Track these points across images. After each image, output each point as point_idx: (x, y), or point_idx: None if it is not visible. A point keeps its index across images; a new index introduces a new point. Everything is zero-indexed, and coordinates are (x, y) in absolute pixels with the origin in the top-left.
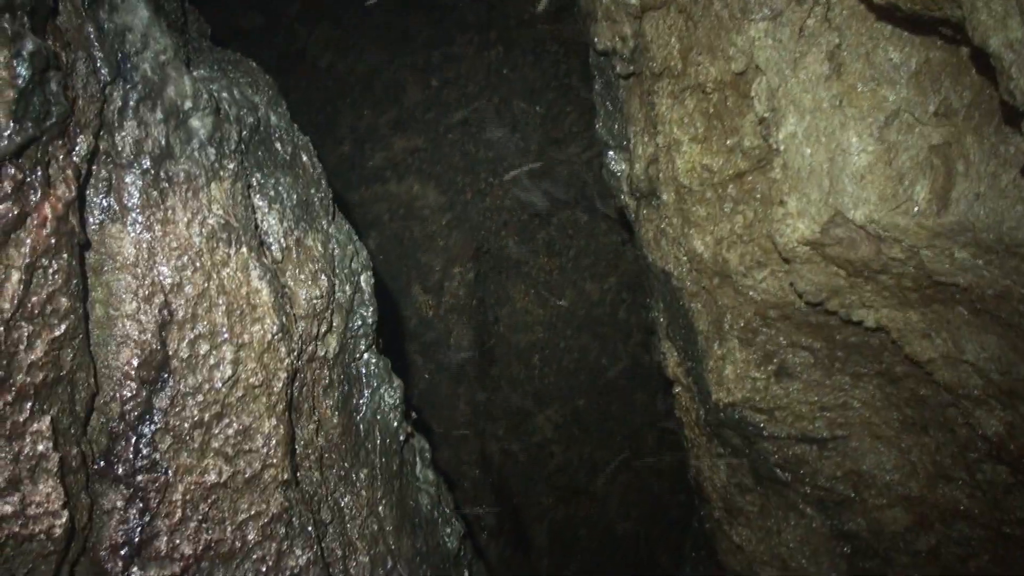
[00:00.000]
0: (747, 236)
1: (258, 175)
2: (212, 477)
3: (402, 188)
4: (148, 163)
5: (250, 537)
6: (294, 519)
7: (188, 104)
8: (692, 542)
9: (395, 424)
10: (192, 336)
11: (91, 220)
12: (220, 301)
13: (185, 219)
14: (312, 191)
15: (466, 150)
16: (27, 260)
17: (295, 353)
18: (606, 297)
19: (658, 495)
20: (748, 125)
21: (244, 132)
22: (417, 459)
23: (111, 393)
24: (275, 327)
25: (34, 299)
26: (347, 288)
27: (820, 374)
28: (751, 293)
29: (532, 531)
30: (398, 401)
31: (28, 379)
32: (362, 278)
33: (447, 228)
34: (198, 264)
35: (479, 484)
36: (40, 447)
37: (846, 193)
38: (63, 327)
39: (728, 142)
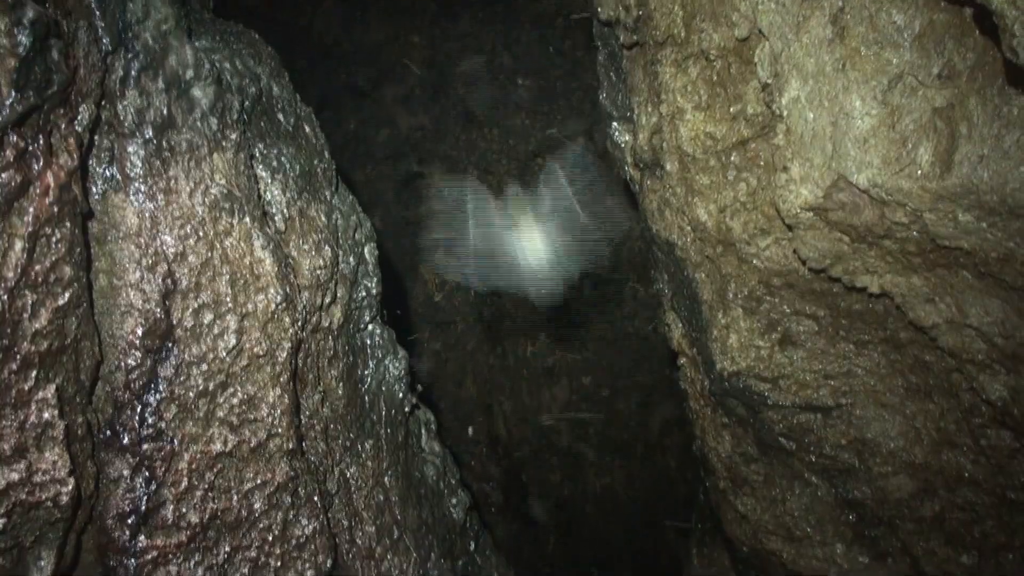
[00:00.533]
0: (750, 204)
1: (260, 146)
2: (217, 446)
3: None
4: (150, 133)
5: (256, 506)
6: (300, 489)
7: (190, 74)
8: (698, 514)
9: (400, 395)
10: (196, 306)
11: (94, 190)
12: (223, 271)
13: (188, 189)
14: (315, 162)
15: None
16: (30, 229)
17: (299, 323)
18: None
19: (665, 471)
20: (751, 92)
21: (246, 103)
22: (423, 431)
23: (116, 362)
24: (279, 297)
25: (37, 267)
26: (351, 259)
27: (824, 342)
28: (755, 261)
29: (539, 507)
30: (403, 372)
31: (32, 347)
32: (366, 249)
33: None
34: (201, 234)
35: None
36: (46, 415)
37: (849, 157)
38: (67, 296)
39: (731, 109)
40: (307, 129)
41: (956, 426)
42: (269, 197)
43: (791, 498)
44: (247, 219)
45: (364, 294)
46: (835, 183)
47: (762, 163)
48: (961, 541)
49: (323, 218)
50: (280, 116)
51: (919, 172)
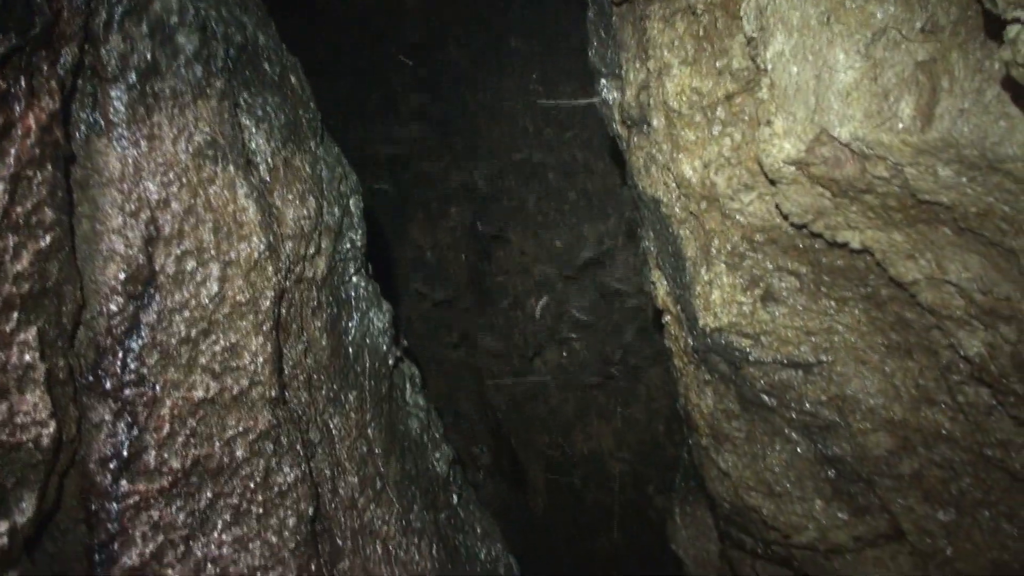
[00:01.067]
0: (735, 159)
1: (245, 94)
2: (199, 393)
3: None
4: (134, 78)
5: (238, 453)
6: (282, 437)
7: (174, 19)
8: (682, 472)
9: (384, 348)
10: (178, 252)
11: (76, 135)
12: (207, 218)
13: (171, 135)
14: (300, 112)
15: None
16: (12, 170)
17: (282, 273)
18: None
19: (652, 434)
20: (737, 46)
21: (231, 51)
22: (407, 384)
23: (98, 307)
24: (262, 246)
25: (19, 209)
26: (336, 210)
27: (806, 299)
28: (738, 217)
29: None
30: (387, 325)
31: (14, 289)
32: (351, 201)
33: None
34: (184, 181)
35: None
36: (27, 357)
37: (832, 111)
38: (48, 239)
39: (717, 64)
40: (293, 79)
41: (935, 383)
42: (254, 146)
43: (772, 454)
44: (231, 167)
45: (349, 246)
46: (817, 137)
47: (746, 118)
48: (938, 498)
49: (308, 168)
50: (266, 65)
51: (900, 126)
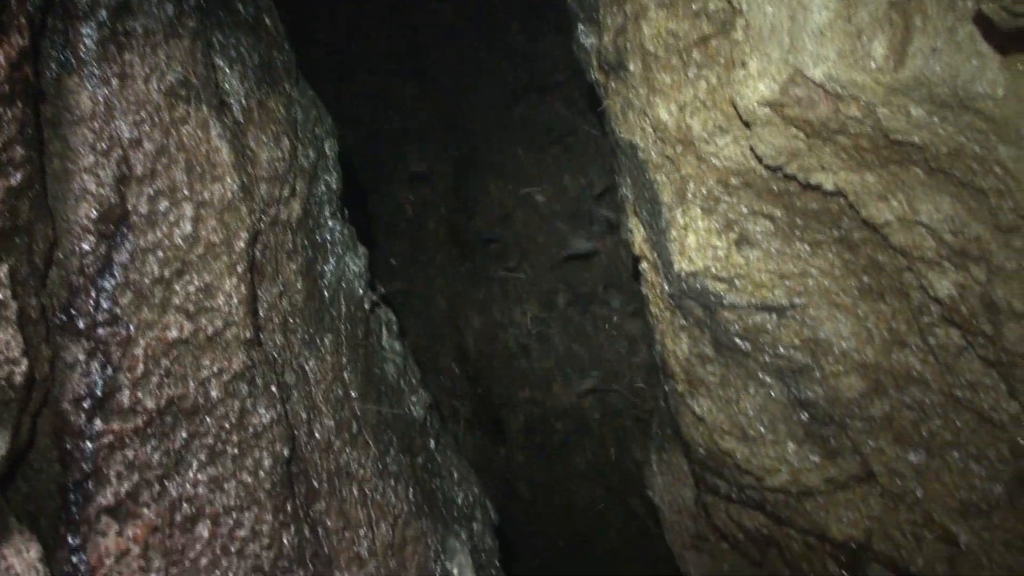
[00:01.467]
0: (710, 101)
1: (219, 34)
2: (174, 333)
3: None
4: (104, 16)
5: (213, 394)
6: (257, 379)
7: None
8: (658, 420)
9: (360, 292)
10: (151, 192)
11: (47, 73)
12: (179, 158)
13: (143, 74)
14: (275, 53)
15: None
16: None
17: (257, 214)
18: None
19: (631, 387)
20: None
21: None
22: (383, 329)
23: (70, 247)
24: (235, 186)
25: None
26: (310, 152)
27: (780, 242)
28: (713, 160)
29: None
30: (363, 269)
31: None
32: (326, 144)
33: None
34: (156, 120)
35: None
36: None
37: (805, 51)
38: (19, 176)
39: (694, 6)
40: (267, 20)
41: (907, 326)
42: (227, 87)
43: (745, 399)
44: (204, 107)
45: (324, 189)
46: (791, 77)
47: (722, 60)
48: (909, 440)
49: (282, 110)
50: (239, 5)
51: (873, 65)
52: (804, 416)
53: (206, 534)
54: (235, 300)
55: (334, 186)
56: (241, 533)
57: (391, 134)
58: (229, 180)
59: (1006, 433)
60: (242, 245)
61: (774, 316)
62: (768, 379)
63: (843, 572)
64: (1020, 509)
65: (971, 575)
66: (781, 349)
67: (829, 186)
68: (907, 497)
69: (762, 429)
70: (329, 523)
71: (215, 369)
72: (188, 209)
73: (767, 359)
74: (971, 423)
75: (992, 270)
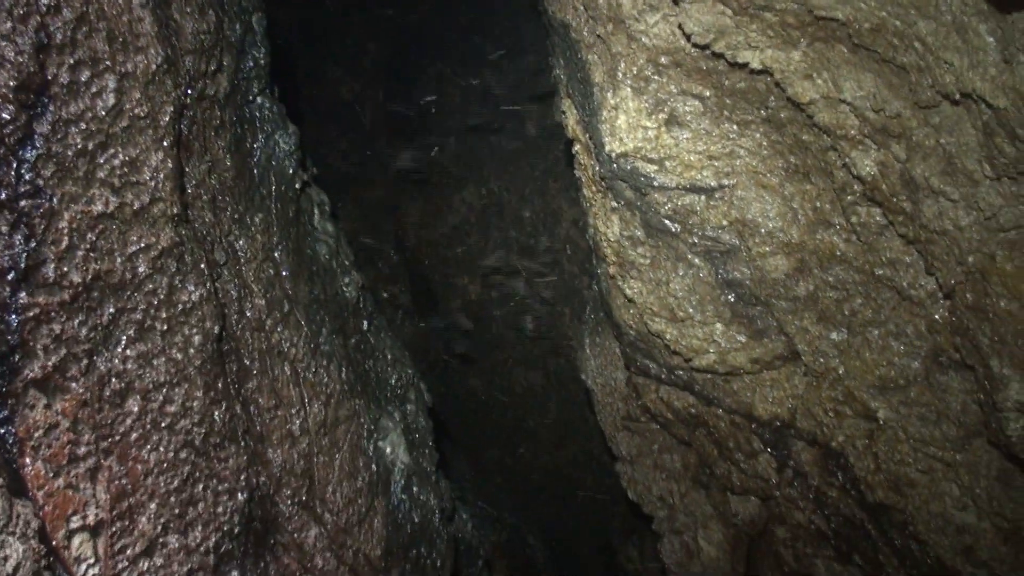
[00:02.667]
0: None
1: None
2: (99, 207)
3: None
4: None
5: (140, 269)
6: (186, 255)
7: None
8: (592, 304)
9: (291, 171)
10: (72, 62)
11: None
12: (100, 27)
13: None
14: None
15: None
16: None
17: (182, 88)
18: None
19: (568, 274)
20: None
21: None
22: (315, 210)
23: None
24: (159, 58)
25: None
26: (237, 27)
27: (709, 122)
28: (643, 39)
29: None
30: (293, 148)
31: None
32: (254, 18)
33: None
34: None
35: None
36: None
37: None
38: None
39: None
40: None
41: (831, 206)
42: None
43: (675, 279)
44: None
45: (252, 64)
46: None
47: None
48: (832, 319)
49: None
50: None
51: None
52: (731, 297)
53: (136, 409)
54: (161, 175)
55: (263, 62)
56: (171, 408)
57: (326, 9)
58: (153, 52)
59: (923, 310)
60: (168, 119)
61: (703, 197)
62: (697, 260)
63: (768, 450)
64: (935, 384)
65: (888, 448)
66: (709, 230)
67: (756, 64)
68: (829, 375)
69: (691, 310)
70: (261, 401)
71: (142, 245)
72: (111, 80)
73: (696, 240)
74: (891, 301)
75: (911, 147)
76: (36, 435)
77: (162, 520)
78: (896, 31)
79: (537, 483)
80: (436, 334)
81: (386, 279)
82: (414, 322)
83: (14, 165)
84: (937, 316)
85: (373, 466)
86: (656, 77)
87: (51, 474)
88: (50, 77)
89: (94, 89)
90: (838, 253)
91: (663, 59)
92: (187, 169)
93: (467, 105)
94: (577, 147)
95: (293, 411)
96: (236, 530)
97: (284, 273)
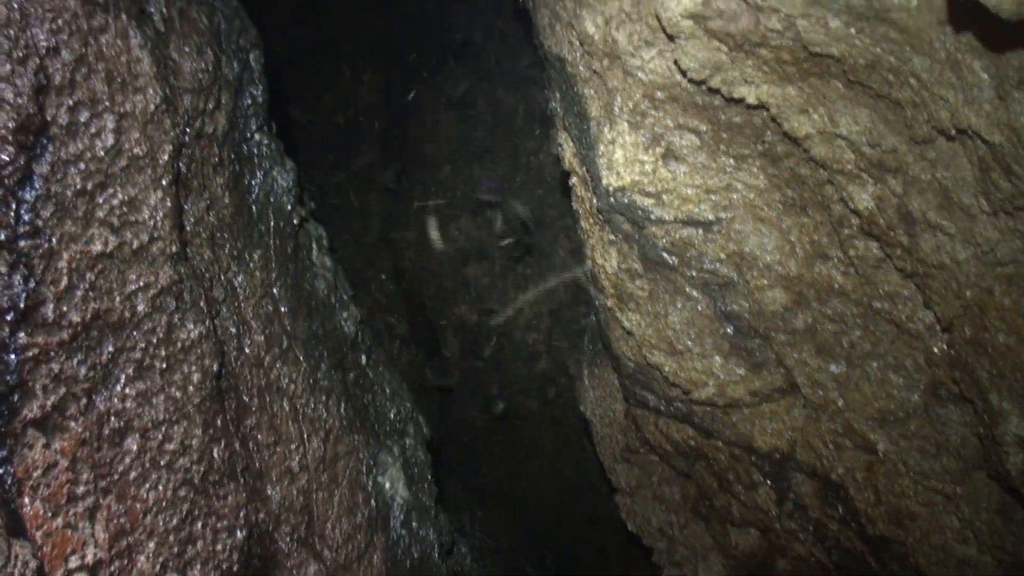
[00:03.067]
0: (635, 14)
1: None
2: (98, 247)
3: None
4: None
5: (139, 308)
6: (185, 293)
7: None
8: (590, 335)
9: (289, 207)
10: (71, 103)
11: None
12: (99, 68)
13: None
14: None
15: None
16: None
17: (181, 127)
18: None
19: (565, 306)
20: None
21: None
22: (314, 244)
23: None
24: (158, 98)
25: None
26: (235, 64)
27: (705, 156)
28: (639, 74)
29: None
30: (291, 184)
31: None
32: (251, 56)
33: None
34: (74, 28)
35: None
36: None
37: None
38: None
39: None
40: None
41: (828, 239)
42: None
43: (673, 312)
44: (123, 16)
45: (250, 102)
46: None
47: None
48: (831, 351)
49: (205, 20)
50: None
51: None
52: (730, 329)
53: (135, 448)
54: (160, 214)
55: (260, 99)
56: (170, 447)
57: (320, 46)
58: (151, 91)
59: (922, 343)
60: (166, 158)
61: (701, 231)
62: (695, 293)
63: (767, 482)
64: (935, 417)
65: (888, 481)
66: (707, 263)
67: (752, 99)
68: (828, 407)
69: (689, 343)
70: (260, 437)
71: (141, 283)
72: (110, 120)
73: (694, 273)
74: (889, 334)
75: (908, 182)
76: (35, 475)
77: (161, 559)
78: (891, 67)
79: (536, 511)
80: (432, 363)
81: (383, 309)
82: (410, 351)
83: (13, 206)
84: (936, 349)
85: (372, 502)
86: (652, 111)
87: (50, 514)
88: (49, 118)
89: (93, 129)
90: (836, 286)
91: (659, 94)
92: (186, 207)
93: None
94: (574, 179)
95: (292, 447)
96: (235, 568)
97: (283, 309)
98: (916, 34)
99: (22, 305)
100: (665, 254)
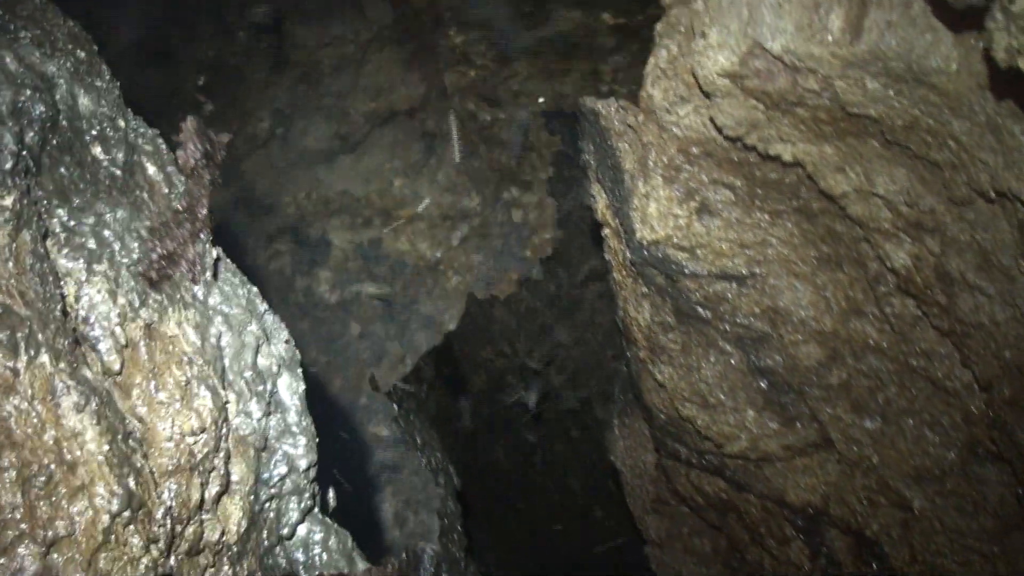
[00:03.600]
0: (671, 71)
1: (62, 213)
2: None
3: None
4: None
5: None
6: None
7: None
8: (620, 385)
9: None
10: None
11: None
12: (5, 462)
13: None
14: (171, 228)
15: None
16: None
17: (161, 543)
18: None
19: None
20: None
21: (30, 134)
22: None
23: None
24: (115, 501)
25: None
26: (253, 405)
27: (740, 211)
28: (674, 130)
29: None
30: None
31: None
32: (282, 383)
33: None
34: None
35: None
36: None
37: (764, 23)
38: None
39: None
40: (150, 170)
41: (863, 295)
42: (86, 309)
43: (706, 366)
44: (44, 357)
45: (285, 469)
46: (750, 49)
47: (682, 29)
48: (865, 407)
49: (192, 334)
50: (98, 151)
51: (830, 38)
52: (763, 384)
53: None
54: None
55: (302, 462)
56: None
57: None
58: (102, 490)
59: (959, 401)
60: None
61: (734, 285)
62: (728, 347)
63: (800, 536)
64: (972, 475)
65: (924, 539)
66: (741, 317)
67: (788, 157)
68: (863, 463)
69: (722, 396)
70: None
71: None
72: (28, 559)
73: (727, 327)
74: (925, 391)
75: (946, 242)
76: None
77: None
78: (929, 129)
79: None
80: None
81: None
82: (438, 396)
83: None
84: (974, 408)
85: (403, 554)
86: (687, 166)
87: None
88: None
89: None
90: (871, 342)
91: (694, 149)
92: None
93: None
94: (607, 231)
95: None
96: None
97: None
98: (956, 97)
99: None
100: (699, 307)
